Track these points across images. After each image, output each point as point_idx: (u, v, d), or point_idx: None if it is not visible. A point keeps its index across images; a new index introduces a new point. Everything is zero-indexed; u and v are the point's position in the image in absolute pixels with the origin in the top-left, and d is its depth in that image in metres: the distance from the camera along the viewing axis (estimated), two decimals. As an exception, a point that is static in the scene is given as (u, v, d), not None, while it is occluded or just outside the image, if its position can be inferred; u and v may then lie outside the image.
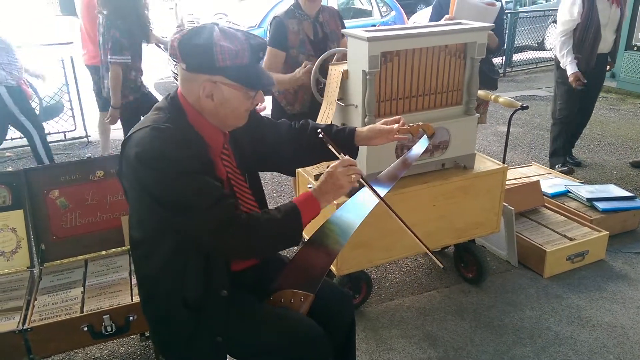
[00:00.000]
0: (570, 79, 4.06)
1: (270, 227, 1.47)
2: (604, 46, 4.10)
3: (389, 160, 2.27)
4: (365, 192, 1.78)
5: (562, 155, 4.47)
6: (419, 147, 1.91)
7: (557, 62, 4.24)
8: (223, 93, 1.46)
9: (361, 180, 1.59)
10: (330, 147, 1.63)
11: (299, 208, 1.50)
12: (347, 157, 1.59)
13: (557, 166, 4.36)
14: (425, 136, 1.90)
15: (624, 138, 5.31)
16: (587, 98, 4.31)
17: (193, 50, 1.41)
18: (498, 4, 3.31)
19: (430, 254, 1.63)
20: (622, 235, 3.36)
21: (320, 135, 1.67)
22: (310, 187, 1.61)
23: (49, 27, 6.60)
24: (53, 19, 12.85)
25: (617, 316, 2.63)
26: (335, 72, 2.37)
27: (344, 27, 3.00)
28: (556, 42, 4.19)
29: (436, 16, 3.59)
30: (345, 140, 1.80)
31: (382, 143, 1.83)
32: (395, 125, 1.79)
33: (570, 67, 4.06)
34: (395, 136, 1.79)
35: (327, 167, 1.57)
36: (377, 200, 1.66)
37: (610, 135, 5.41)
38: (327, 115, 2.41)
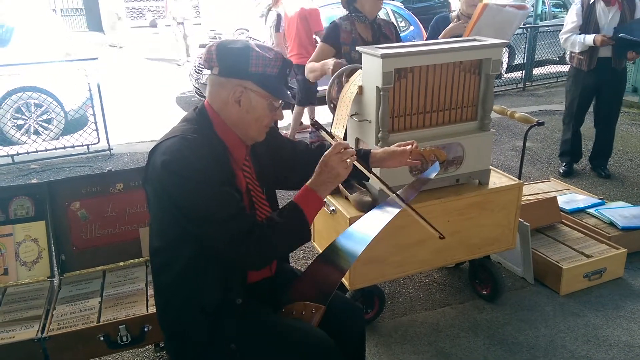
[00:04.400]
0: (598, 43, 4.08)
1: (279, 232, 1.51)
2: (605, 49, 4.16)
3: (403, 177, 2.29)
4: (377, 210, 1.79)
5: (568, 155, 4.71)
6: (430, 173, 1.94)
7: (571, 73, 4.53)
8: (250, 100, 1.53)
9: (355, 162, 1.59)
10: (322, 132, 1.60)
11: (301, 206, 1.54)
12: (339, 140, 1.59)
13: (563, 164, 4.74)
14: (437, 163, 1.92)
15: (645, 154, 5.24)
16: (604, 106, 4.45)
17: (229, 53, 1.50)
18: (530, 7, 3.31)
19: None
20: (641, 253, 3.30)
21: (312, 122, 1.65)
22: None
23: (75, 43, 6.77)
24: (79, 34, 13.19)
25: (634, 336, 2.58)
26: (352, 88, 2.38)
27: (399, 38, 3.12)
28: (564, 43, 4.40)
29: (432, 38, 3.59)
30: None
31: (395, 166, 1.86)
32: (408, 147, 1.82)
33: (587, 39, 4.13)
34: (407, 160, 1.83)
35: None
36: (389, 218, 1.67)
37: (632, 150, 5.33)
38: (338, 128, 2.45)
